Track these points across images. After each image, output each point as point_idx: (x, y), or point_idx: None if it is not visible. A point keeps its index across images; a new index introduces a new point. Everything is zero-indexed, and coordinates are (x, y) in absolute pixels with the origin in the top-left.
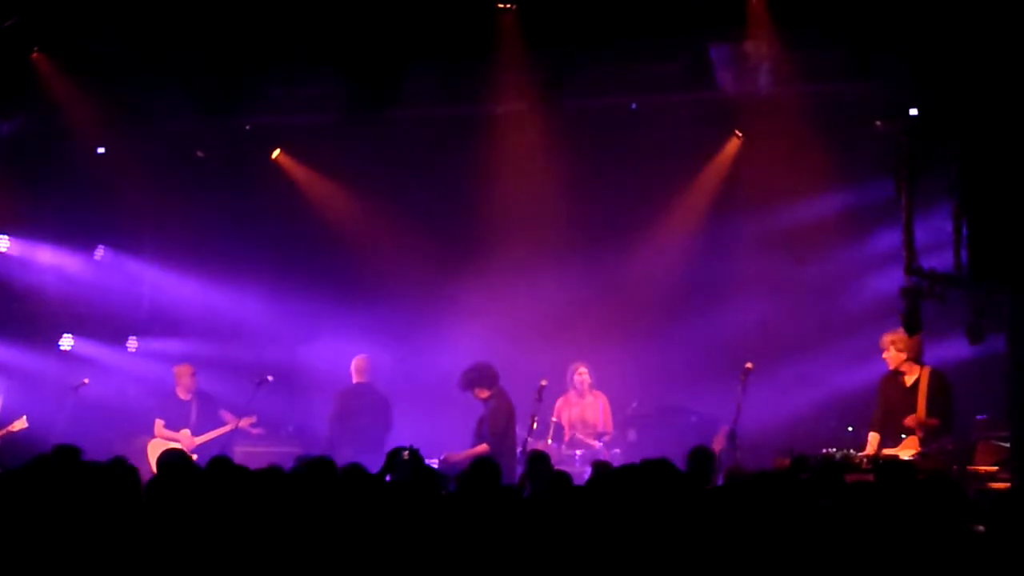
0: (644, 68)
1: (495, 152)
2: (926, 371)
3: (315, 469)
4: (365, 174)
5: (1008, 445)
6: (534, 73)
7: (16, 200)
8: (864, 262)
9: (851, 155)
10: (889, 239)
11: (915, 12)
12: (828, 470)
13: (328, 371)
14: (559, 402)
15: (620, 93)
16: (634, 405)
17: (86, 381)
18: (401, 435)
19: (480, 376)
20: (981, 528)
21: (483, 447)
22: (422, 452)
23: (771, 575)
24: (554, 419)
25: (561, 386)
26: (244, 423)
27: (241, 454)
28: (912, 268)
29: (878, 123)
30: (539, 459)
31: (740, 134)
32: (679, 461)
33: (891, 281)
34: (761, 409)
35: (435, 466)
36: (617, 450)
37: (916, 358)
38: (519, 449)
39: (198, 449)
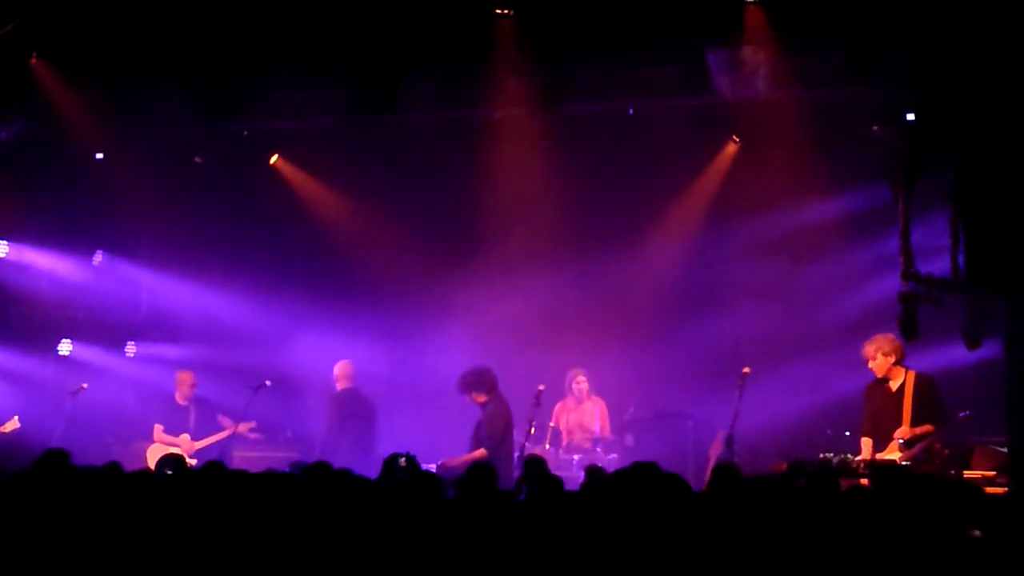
0: (642, 73)
1: (493, 157)
2: (911, 375)
3: (312, 474)
4: (363, 179)
5: (1005, 450)
6: (532, 78)
7: (14, 205)
8: (861, 267)
9: (848, 160)
10: (886, 244)
11: (912, 17)
12: (825, 475)
13: (326, 376)
14: (557, 407)
15: (618, 98)
16: (631, 410)
17: (84, 386)
18: (399, 439)
19: (478, 380)
20: (978, 533)
21: (481, 452)
22: (419, 457)
23: None
24: (552, 424)
25: (559, 391)
26: (243, 428)
27: (239, 459)
28: (909, 273)
29: (875, 128)
30: (535, 463)
31: (737, 139)
32: (676, 466)
33: (888, 286)
34: (758, 414)
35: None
36: (614, 455)
37: (900, 360)
38: (516, 454)
39: (197, 454)
